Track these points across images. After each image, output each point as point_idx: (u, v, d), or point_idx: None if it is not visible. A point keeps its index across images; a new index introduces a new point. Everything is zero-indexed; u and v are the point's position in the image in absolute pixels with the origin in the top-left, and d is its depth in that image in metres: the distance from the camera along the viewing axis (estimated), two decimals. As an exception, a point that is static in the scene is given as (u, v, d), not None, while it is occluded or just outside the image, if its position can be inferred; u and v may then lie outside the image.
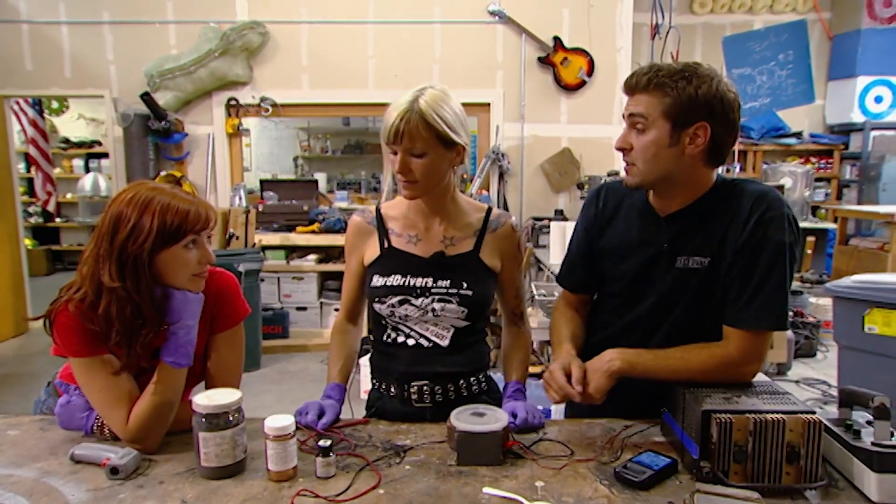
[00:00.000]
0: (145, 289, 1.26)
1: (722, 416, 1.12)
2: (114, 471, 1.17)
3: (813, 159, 6.53)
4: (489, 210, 1.54)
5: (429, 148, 1.35)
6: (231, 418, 1.18)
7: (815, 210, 6.19)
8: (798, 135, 6.47)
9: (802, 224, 5.32)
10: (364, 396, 1.61)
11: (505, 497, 1.11)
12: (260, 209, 5.17)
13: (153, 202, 1.25)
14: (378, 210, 1.54)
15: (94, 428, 1.32)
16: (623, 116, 1.33)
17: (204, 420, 1.17)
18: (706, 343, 1.32)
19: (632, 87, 1.30)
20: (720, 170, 1.39)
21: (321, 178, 6.64)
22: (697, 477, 1.13)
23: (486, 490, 1.13)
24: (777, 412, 1.12)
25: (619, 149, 1.34)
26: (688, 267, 1.34)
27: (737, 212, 1.30)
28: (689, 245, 1.34)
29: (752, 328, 1.29)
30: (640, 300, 1.41)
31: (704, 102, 1.24)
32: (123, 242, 1.23)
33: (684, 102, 1.24)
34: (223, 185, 5.25)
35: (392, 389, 1.51)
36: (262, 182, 5.80)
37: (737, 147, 5.73)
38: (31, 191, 7.81)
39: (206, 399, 1.19)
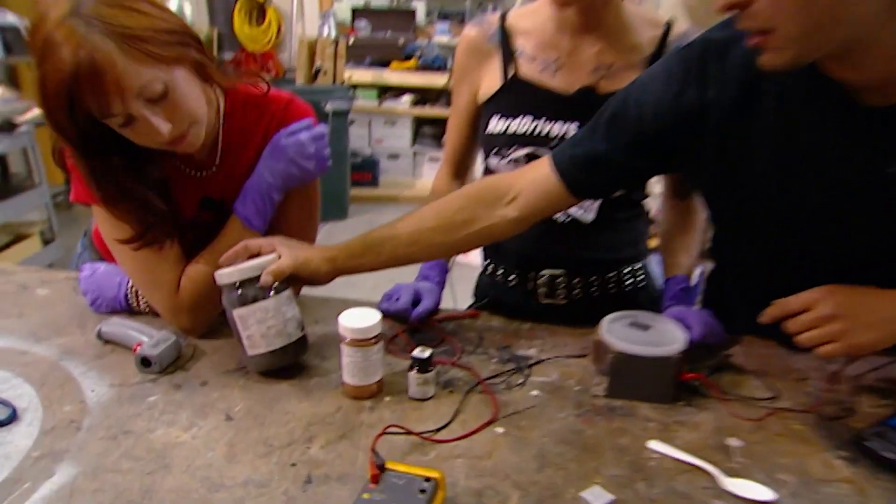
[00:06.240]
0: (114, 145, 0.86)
1: None
2: (145, 362, 0.88)
3: None
4: (668, 26, 1.05)
5: None
6: (269, 283, 0.86)
7: None
8: None
9: None
10: (473, 279, 1.26)
11: (687, 462, 0.74)
12: (350, 41, 4.82)
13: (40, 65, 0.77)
14: (503, 20, 1.08)
15: (127, 297, 1.03)
16: None
17: (237, 293, 0.85)
18: None
19: None
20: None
21: (420, 7, 6.03)
22: None
23: (653, 445, 0.77)
24: None
25: (729, 5, 0.68)
26: None
27: None
28: None
29: None
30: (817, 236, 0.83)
31: None
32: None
33: None
34: (311, 11, 4.80)
35: (511, 277, 1.15)
36: (353, 10, 5.34)
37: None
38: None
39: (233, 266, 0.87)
